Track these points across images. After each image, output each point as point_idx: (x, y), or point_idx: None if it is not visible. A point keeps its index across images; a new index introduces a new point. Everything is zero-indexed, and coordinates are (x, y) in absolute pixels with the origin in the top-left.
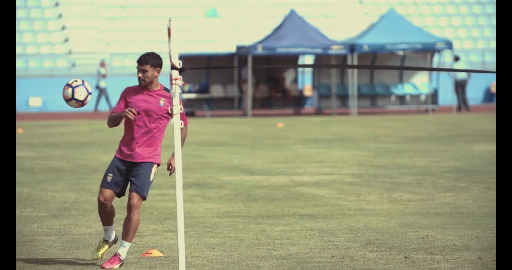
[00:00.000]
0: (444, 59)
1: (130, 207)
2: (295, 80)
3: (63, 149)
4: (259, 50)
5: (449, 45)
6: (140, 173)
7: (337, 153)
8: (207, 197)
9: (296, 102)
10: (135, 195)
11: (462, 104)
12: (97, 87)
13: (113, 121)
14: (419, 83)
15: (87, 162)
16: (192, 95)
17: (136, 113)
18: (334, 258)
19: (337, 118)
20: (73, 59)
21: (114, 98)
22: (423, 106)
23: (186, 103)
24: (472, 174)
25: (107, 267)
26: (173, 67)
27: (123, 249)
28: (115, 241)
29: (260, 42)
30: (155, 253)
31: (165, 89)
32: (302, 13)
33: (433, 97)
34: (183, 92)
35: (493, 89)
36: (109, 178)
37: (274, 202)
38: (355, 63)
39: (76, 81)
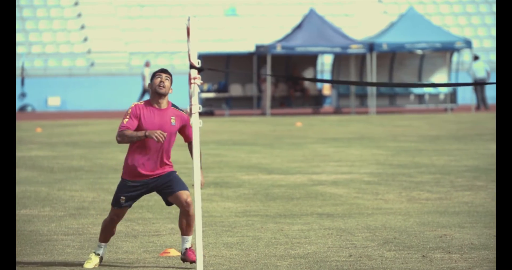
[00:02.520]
0: (463, 58)
1: (187, 205)
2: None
3: (82, 149)
4: (278, 49)
5: (468, 44)
6: (173, 177)
7: (356, 152)
8: (225, 196)
9: (315, 101)
10: (184, 192)
11: (481, 103)
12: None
13: (129, 139)
14: (438, 82)
15: (105, 161)
16: (211, 94)
17: (165, 138)
18: (352, 257)
19: (356, 117)
20: (92, 58)
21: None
22: (442, 105)
23: (205, 102)
24: (490, 173)
25: (195, 259)
26: (192, 67)
27: (189, 243)
28: (102, 259)
29: (279, 41)
30: (173, 252)
31: (173, 105)
32: (322, 12)
33: (452, 96)
34: (202, 91)
35: None
36: (122, 201)
37: (292, 201)
38: (374, 62)
39: None
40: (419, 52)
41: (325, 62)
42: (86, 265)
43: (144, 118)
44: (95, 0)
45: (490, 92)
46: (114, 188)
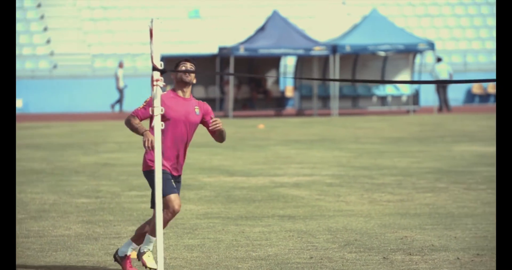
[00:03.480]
0: (426, 60)
1: (175, 213)
2: (277, 81)
3: (44, 151)
4: (241, 51)
5: (431, 46)
6: (180, 184)
7: (318, 154)
8: (187, 198)
9: (278, 103)
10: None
11: (444, 105)
12: (118, 88)
13: (131, 128)
14: (401, 84)
15: (67, 164)
16: None
17: (152, 149)
18: (313, 259)
19: (318, 119)
20: (55, 60)
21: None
22: (405, 107)
23: None
24: (452, 175)
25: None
26: (154, 68)
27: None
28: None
29: (242, 43)
30: (134, 255)
31: (194, 97)
32: (285, 14)
33: (415, 98)
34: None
35: (474, 90)
36: (174, 184)
37: (254, 203)
38: (337, 64)
39: None
40: (382, 54)
41: (288, 64)
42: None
43: (168, 107)
44: (58, 2)
45: (453, 94)
46: (76, 190)
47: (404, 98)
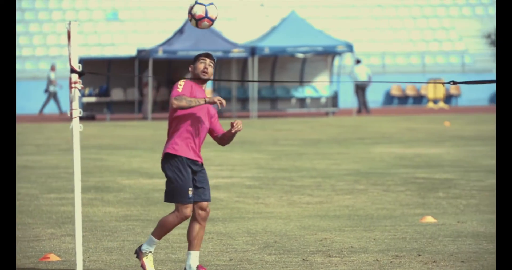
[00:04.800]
0: (345, 61)
1: (203, 218)
2: None
3: None
4: (160, 53)
5: (349, 48)
6: (205, 178)
7: (237, 156)
8: (106, 200)
9: None
10: (207, 204)
11: (362, 106)
12: (47, 90)
13: (188, 102)
14: (320, 86)
15: None
16: (92, 99)
17: (224, 104)
18: (232, 261)
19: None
20: None
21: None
22: (324, 109)
23: (86, 106)
24: (371, 177)
25: None
26: (72, 71)
27: (196, 260)
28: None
29: (160, 45)
30: (53, 257)
31: None
32: None
33: (334, 99)
34: (83, 95)
35: (393, 92)
36: (190, 193)
37: (173, 206)
38: (256, 66)
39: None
40: (301, 55)
41: None
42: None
43: (196, 94)
44: None
45: (371, 96)
46: None
47: (323, 100)
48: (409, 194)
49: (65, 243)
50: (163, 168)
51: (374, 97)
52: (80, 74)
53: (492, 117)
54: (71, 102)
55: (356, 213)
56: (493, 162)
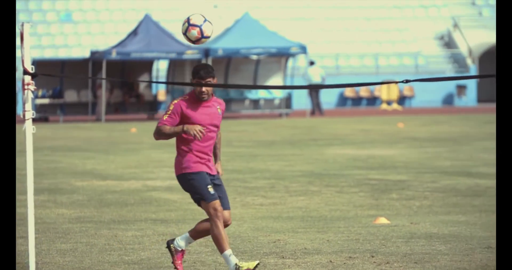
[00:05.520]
0: (298, 63)
1: (227, 225)
2: (149, 85)
3: None
4: (114, 55)
5: (303, 49)
6: (222, 183)
7: None
8: (59, 202)
9: (150, 107)
10: (228, 212)
11: (316, 108)
12: None
13: (166, 136)
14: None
15: None
16: (46, 100)
17: (205, 134)
18: (185, 263)
19: None
20: None
21: None
22: (277, 110)
23: (39, 108)
24: (324, 178)
25: None
26: (25, 72)
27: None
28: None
29: (114, 47)
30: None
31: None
32: (157, 18)
33: (287, 101)
34: (36, 97)
35: (347, 93)
36: (211, 190)
37: (127, 207)
38: None
39: (194, 18)
40: (254, 57)
41: (160, 67)
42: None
43: (192, 114)
44: None
45: (325, 97)
46: None
47: (276, 102)
48: (363, 196)
49: (18, 245)
50: (182, 186)
51: (328, 98)
52: (33, 76)
53: (445, 118)
54: (24, 104)
55: (309, 214)
56: (446, 163)
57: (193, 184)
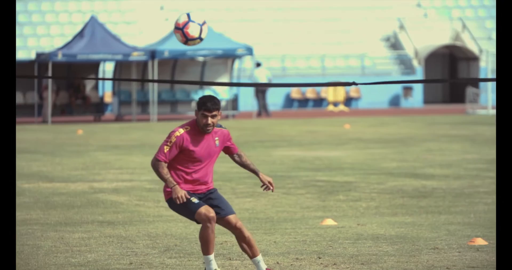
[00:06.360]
0: (245, 65)
1: (241, 228)
2: (96, 87)
3: None
4: (59, 57)
5: (249, 51)
6: (219, 195)
7: (137, 160)
8: None
9: (96, 109)
10: (234, 216)
11: (262, 109)
12: None
13: (159, 176)
14: (220, 89)
15: None
16: None
17: (185, 200)
18: (132, 264)
19: (137, 124)
20: None
21: None
22: (224, 112)
23: None
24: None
25: None
26: None
27: (263, 262)
28: None
29: (60, 48)
30: None
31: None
32: (103, 20)
33: (234, 102)
34: None
35: (293, 95)
36: (195, 200)
37: (73, 209)
38: (156, 69)
39: (183, 20)
40: (201, 59)
41: (107, 69)
42: None
43: (192, 148)
44: None
45: (272, 99)
46: None
47: (223, 103)
48: (310, 197)
49: None
50: (173, 210)
51: (274, 100)
52: None
53: (392, 119)
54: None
55: (256, 216)
56: (392, 164)
57: (179, 204)
